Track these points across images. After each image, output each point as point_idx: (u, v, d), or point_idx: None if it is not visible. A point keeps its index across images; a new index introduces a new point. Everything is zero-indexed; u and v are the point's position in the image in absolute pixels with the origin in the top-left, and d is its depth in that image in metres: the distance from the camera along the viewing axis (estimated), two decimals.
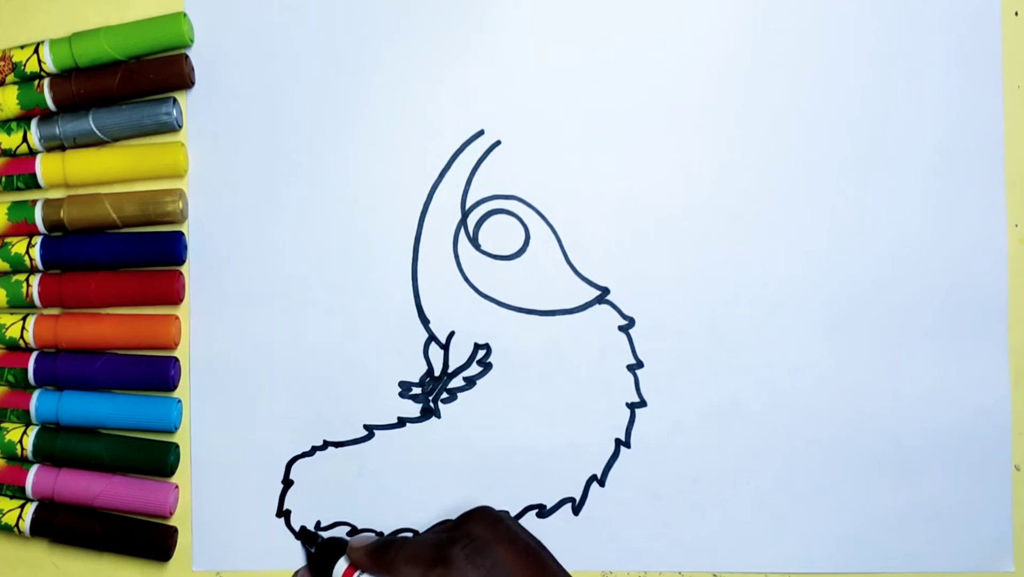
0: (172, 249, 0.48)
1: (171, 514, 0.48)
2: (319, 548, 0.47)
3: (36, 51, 0.48)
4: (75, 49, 0.47)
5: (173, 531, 0.48)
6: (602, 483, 0.48)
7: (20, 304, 0.49)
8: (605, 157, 0.48)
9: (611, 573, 0.48)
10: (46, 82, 0.48)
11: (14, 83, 0.48)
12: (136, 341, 0.48)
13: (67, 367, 0.48)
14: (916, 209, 0.48)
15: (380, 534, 0.48)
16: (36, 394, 0.48)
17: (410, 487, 0.48)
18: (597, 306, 0.48)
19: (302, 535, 0.48)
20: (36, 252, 0.48)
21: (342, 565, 0.45)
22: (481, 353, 0.49)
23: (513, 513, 0.48)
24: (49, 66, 0.48)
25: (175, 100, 0.48)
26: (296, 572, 0.48)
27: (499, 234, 0.49)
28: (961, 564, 0.48)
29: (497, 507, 0.48)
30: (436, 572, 0.41)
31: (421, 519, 0.48)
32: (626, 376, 0.48)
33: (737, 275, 0.48)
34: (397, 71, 0.49)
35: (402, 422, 0.49)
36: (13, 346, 0.49)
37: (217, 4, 0.49)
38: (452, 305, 0.49)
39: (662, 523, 0.48)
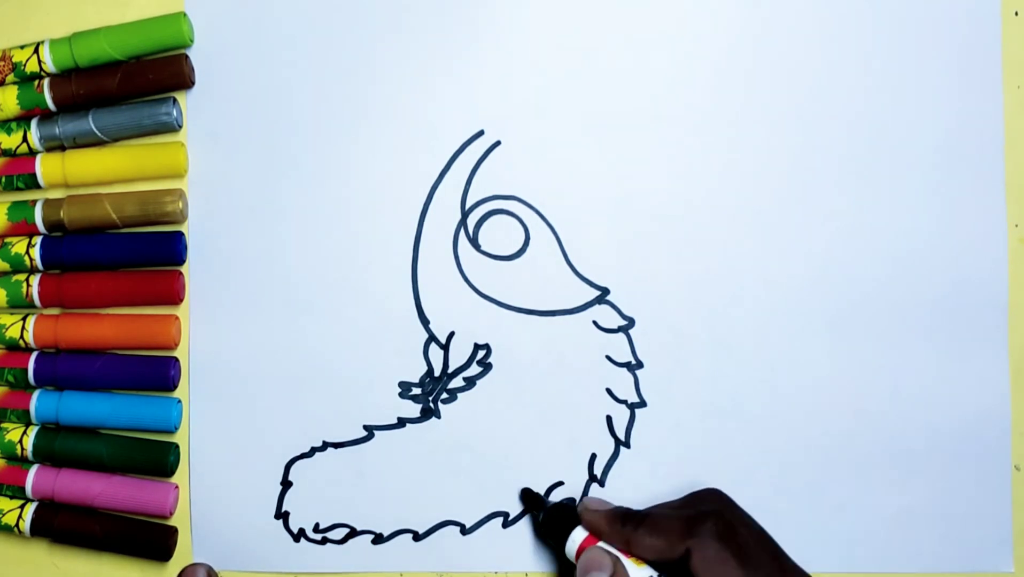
0: (172, 249, 0.48)
1: (171, 514, 0.48)
2: (548, 515, 0.46)
3: (36, 51, 0.48)
4: (75, 49, 0.47)
5: (173, 531, 0.48)
6: (602, 483, 0.48)
7: (20, 304, 0.49)
8: (605, 157, 0.48)
9: None
10: (46, 82, 0.48)
11: (14, 83, 0.48)
12: (136, 341, 0.48)
13: (67, 367, 0.48)
14: (916, 209, 0.48)
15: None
16: (36, 394, 0.48)
17: (410, 487, 0.48)
18: (597, 306, 0.48)
19: (526, 499, 0.47)
20: (36, 252, 0.48)
21: (580, 534, 0.44)
22: (481, 353, 0.49)
23: (513, 514, 0.48)
24: (49, 66, 0.48)
25: (175, 100, 0.48)
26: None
27: (499, 234, 0.49)
28: (961, 564, 0.47)
29: (497, 507, 0.48)
30: (685, 545, 0.41)
31: (421, 519, 0.48)
32: (626, 376, 0.48)
33: (737, 275, 0.48)
34: (397, 71, 0.49)
35: (402, 422, 0.49)
36: (13, 346, 0.49)
37: (217, 4, 0.49)
38: (452, 305, 0.49)
39: None
